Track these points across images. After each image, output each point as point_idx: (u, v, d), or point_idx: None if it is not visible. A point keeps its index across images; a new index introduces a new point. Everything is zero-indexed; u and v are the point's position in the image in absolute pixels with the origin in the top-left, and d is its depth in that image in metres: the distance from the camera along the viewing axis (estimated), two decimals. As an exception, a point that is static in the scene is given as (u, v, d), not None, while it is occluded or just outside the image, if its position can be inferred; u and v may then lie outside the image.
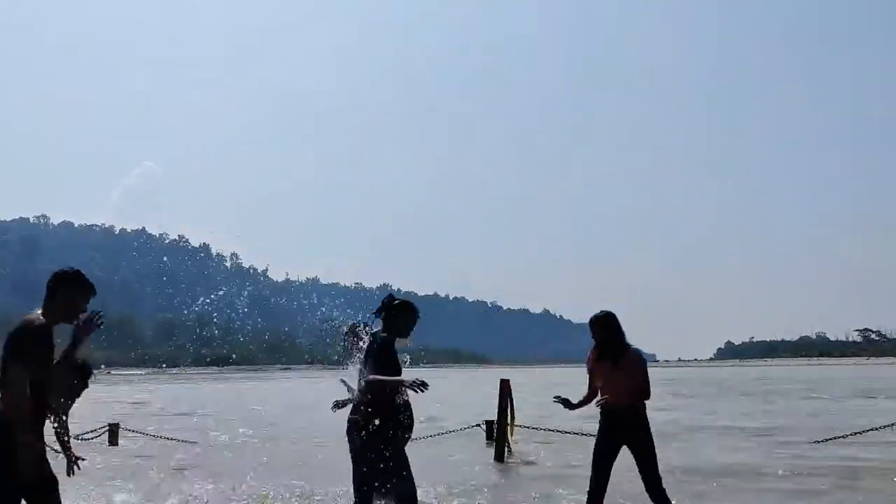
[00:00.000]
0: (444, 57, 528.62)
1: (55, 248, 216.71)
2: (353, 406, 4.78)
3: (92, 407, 18.88)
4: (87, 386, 4.83)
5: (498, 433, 9.60)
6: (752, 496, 6.97)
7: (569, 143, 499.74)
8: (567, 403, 5.35)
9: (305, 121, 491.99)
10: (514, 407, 10.27)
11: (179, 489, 6.93)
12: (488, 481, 7.25)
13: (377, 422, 4.46)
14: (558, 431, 11.14)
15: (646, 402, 5.17)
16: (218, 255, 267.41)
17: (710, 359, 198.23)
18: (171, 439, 11.39)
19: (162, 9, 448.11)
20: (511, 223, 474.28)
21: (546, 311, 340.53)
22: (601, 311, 5.24)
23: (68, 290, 3.82)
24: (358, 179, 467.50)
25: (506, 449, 9.46)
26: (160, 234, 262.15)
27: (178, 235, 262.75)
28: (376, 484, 4.50)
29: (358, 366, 4.97)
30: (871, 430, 10.68)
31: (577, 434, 11.31)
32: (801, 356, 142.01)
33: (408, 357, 4.89)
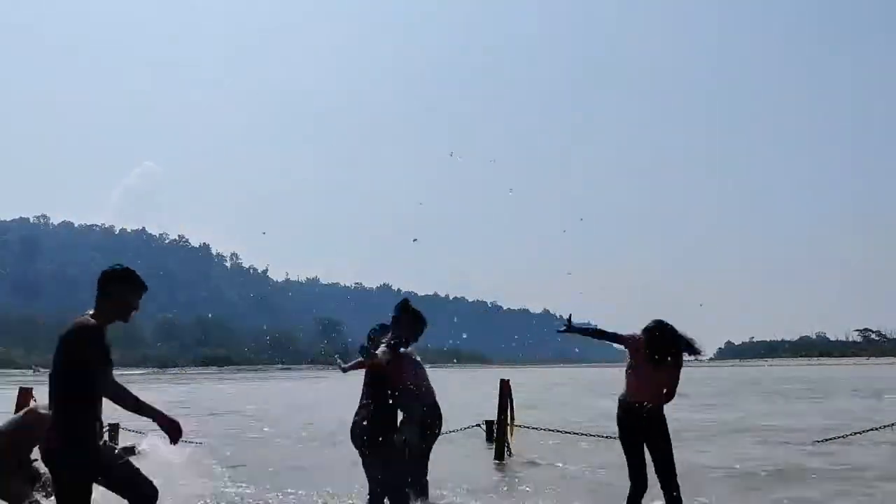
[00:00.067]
0: (444, 57, 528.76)
1: (55, 248, 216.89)
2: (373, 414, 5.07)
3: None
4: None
5: (498, 433, 9.60)
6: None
7: (569, 143, 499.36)
8: (570, 328, 5.35)
9: (305, 121, 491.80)
10: (514, 407, 10.27)
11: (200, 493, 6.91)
12: (488, 482, 7.26)
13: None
14: (558, 431, 11.14)
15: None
16: (218, 255, 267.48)
17: (711, 359, 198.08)
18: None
19: (162, 9, 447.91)
20: (511, 223, 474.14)
21: (546, 311, 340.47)
22: (661, 323, 5.23)
23: (120, 288, 3.80)
24: (358, 179, 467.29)
25: (506, 449, 9.46)
26: (160, 234, 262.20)
27: (178, 235, 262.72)
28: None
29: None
30: (872, 430, 10.69)
31: (577, 434, 11.32)
32: (801, 356, 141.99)
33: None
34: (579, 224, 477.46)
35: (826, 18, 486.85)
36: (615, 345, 5.30)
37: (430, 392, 5.47)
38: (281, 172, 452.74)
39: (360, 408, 5.14)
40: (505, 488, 7.13)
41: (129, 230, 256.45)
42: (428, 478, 5.44)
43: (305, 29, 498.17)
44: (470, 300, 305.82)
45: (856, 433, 10.73)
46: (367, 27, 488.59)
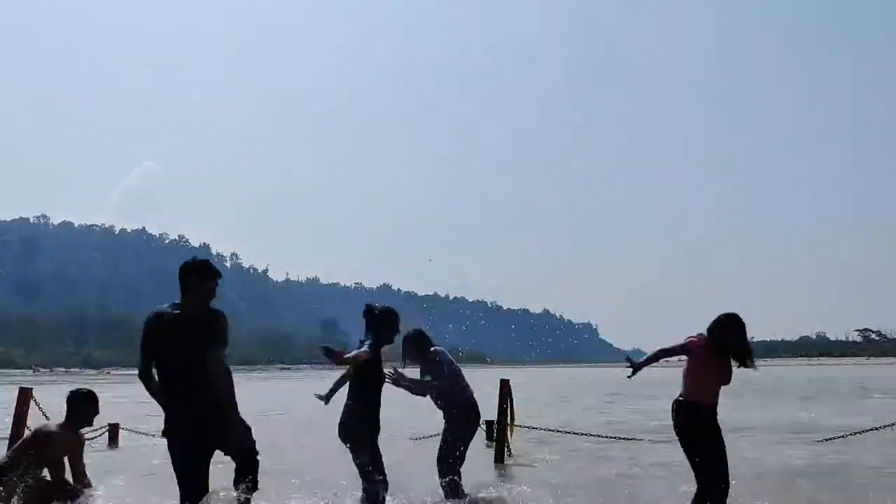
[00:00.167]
0: (444, 57, 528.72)
1: (55, 248, 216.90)
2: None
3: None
4: None
5: (498, 434, 9.59)
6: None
7: (569, 143, 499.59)
8: (634, 367, 5.22)
9: (305, 121, 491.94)
10: (514, 407, 10.27)
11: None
12: (487, 483, 7.25)
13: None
14: (558, 431, 11.14)
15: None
16: (218, 255, 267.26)
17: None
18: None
19: (162, 9, 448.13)
20: (511, 223, 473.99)
21: (546, 311, 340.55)
22: (734, 314, 5.20)
23: (198, 279, 4.10)
24: (358, 179, 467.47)
25: (506, 449, 9.45)
26: (160, 234, 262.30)
27: (178, 235, 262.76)
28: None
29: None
30: (871, 430, 10.69)
31: (577, 434, 11.33)
32: (801, 356, 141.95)
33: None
34: (579, 224, 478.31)
35: (826, 18, 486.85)
36: (673, 358, 5.25)
37: (456, 393, 6.01)
38: (281, 172, 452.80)
39: (345, 406, 5.35)
40: (504, 489, 7.12)
41: (129, 230, 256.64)
42: (453, 477, 5.87)
43: (305, 29, 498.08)
44: (470, 300, 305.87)
45: (856, 433, 10.73)
46: (367, 27, 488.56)
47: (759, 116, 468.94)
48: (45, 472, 5.29)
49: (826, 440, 10.75)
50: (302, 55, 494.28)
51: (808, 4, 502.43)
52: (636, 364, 5.21)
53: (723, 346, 5.07)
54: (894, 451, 9.94)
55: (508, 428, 9.79)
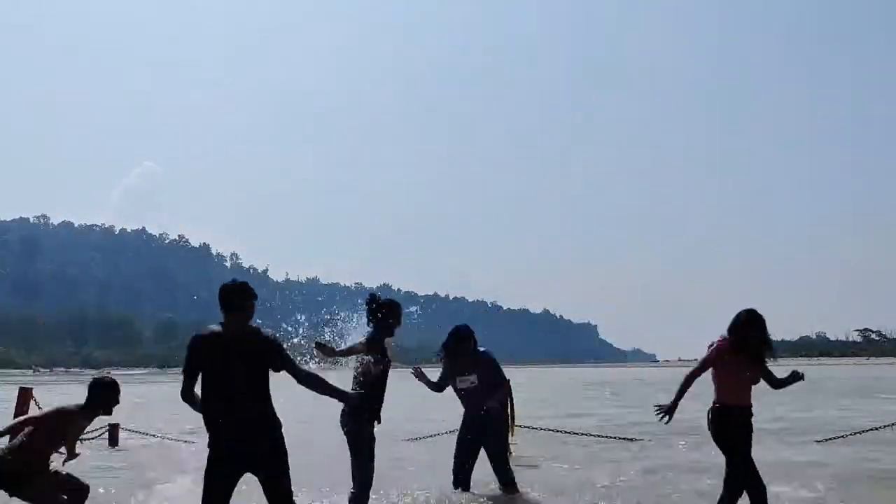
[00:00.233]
0: (444, 57, 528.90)
1: (55, 248, 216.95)
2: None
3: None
4: None
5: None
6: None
7: (569, 143, 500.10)
8: (671, 410, 5.10)
9: (305, 121, 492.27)
10: (515, 407, 10.26)
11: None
12: (486, 483, 7.23)
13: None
14: (559, 431, 11.14)
15: None
16: (218, 255, 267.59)
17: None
18: (173, 439, 11.38)
19: (162, 9, 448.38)
20: (511, 223, 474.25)
21: (546, 311, 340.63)
22: (753, 310, 5.10)
23: (242, 300, 4.27)
24: (358, 179, 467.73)
25: (506, 450, 9.43)
26: (160, 234, 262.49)
27: (178, 235, 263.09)
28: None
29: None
30: (872, 429, 10.69)
31: (577, 434, 11.33)
32: (801, 356, 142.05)
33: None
34: (579, 224, 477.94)
35: (826, 18, 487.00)
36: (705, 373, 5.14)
37: (481, 393, 6.30)
38: (281, 172, 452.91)
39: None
40: (501, 489, 7.11)
41: (129, 230, 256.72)
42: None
43: (305, 29, 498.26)
44: (470, 300, 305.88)
45: (857, 433, 10.73)
46: (367, 27, 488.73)
47: (759, 116, 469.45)
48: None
49: (826, 440, 10.75)
50: (302, 55, 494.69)
51: (808, 4, 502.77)
52: (669, 406, 5.09)
53: (743, 343, 5.01)
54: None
55: (508, 428, 9.77)
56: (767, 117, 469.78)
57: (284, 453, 4.17)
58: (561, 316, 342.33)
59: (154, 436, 11.81)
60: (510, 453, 9.46)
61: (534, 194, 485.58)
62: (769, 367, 5.19)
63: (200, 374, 4.12)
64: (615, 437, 11.25)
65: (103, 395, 5.31)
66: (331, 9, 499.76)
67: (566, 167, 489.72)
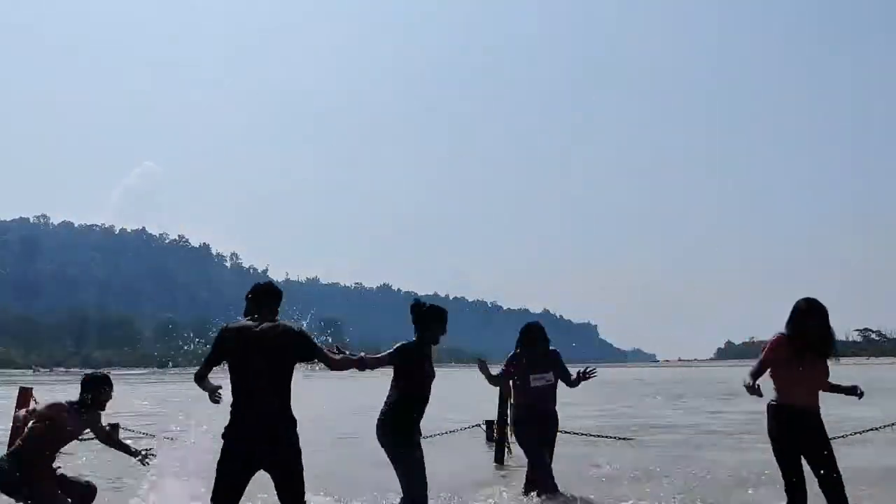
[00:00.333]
0: (444, 57, 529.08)
1: (55, 248, 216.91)
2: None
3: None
4: None
5: (498, 434, 9.58)
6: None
7: (569, 143, 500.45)
8: (756, 390, 4.58)
9: (305, 121, 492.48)
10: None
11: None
12: (486, 483, 7.25)
13: None
14: (559, 432, 11.11)
15: None
16: (218, 255, 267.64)
17: (711, 359, 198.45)
18: (172, 439, 11.37)
19: (162, 9, 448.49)
20: (511, 223, 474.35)
21: (546, 311, 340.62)
22: (813, 298, 4.70)
23: (271, 301, 4.43)
24: (358, 179, 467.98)
25: (506, 450, 9.44)
26: (160, 234, 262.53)
27: (178, 235, 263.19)
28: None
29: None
30: (871, 430, 10.67)
31: (577, 434, 11.32)
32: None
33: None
34: (579, 224, 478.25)
35: (826, 18, 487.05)
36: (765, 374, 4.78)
37: (524, 393, 6.28)
38: (281, 172, 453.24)
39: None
40: (503, 489, 7.11)
41: (129, 230, 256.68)
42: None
43: (305, 29, 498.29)
44: (470, 300, 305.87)
45: (856, 433, 10.72)
46: (367, 27, 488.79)
47: (759, 116, 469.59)
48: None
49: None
50: (302, 55, 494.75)
51: (808, 4, 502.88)
52: (751, 386, 4.60)
53: (803, 336, 4.60)
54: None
55: (508, 428, 9.77)
56: (767, 117, 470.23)
57: (299, 452, 4.16)
58: (561, 316, 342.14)
59: (154, 436, 11.80)
60: (511, 454, 9.49)
61: (534, 194, 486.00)
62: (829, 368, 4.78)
63: (226, 364, 4.21)
64: (615, 437, 11.27)
65: (94, 389, 5.31)
66: (331, 9, 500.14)
67: (566, 167, 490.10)
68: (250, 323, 4.24)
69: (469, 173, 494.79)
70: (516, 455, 9.66)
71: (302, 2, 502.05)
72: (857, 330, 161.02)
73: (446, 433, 11.08)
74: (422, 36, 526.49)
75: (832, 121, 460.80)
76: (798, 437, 4.68)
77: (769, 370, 4.72)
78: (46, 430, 5.14)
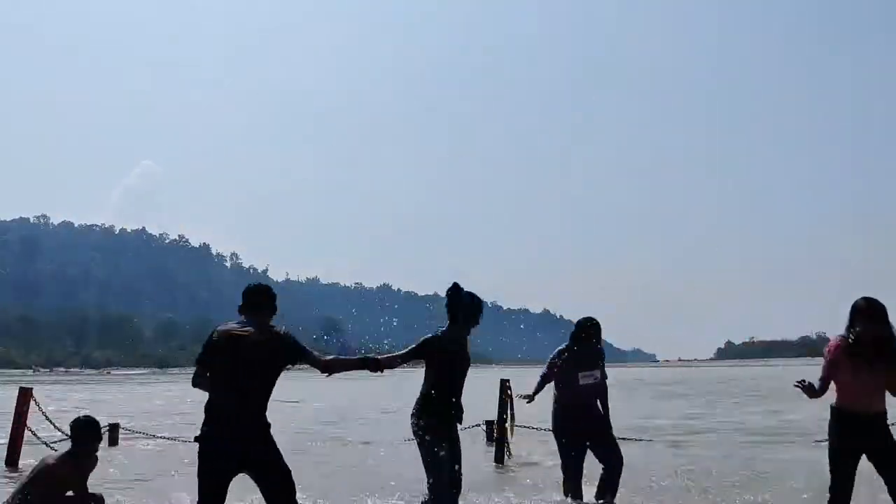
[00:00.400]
0: (444, 57, 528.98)
1: (55, 248, 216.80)
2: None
3: (90, 406, 18.85)
4: None
5: (497, 434, 9.58)
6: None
7: (569, 143, 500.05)
8: (811, 390, 4.53)
9: (305, 121, 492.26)
10: (514, 407, 10.25)
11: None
12: (486, 482, 7.24)
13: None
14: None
15: None
16: (218, 255, 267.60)
17: (711, 359, 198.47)
18: (172, 439, 11.37)
19: (162, 9, 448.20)
20: (511, 223, 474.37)
21: (546, 311, 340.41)
22: (871, 298, 4.45)
23: (269, 302, 4.43)
24: (358, 179, 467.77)
25: (506, 450, 9.44)
26: (160, 234, 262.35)
27: (178, 235, 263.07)
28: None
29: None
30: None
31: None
32: (801, 356, 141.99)
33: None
34: (579, 224, 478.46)
35: (826, 18, 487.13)
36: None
37: (571, 392, 5.83)
38: (281, 172, 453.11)
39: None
40: (503, 489, 7.11)
41: (129, 230, 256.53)
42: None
43: (305, 29, 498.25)
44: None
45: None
46: (367, 27, 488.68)
47: (759, 116, 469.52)
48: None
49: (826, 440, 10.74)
50: (302, 55, 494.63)
51: (808, 4, 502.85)
52: (812, 391, 4.56)
53: (861, 337, 4.39)
54: None
55: (508, 428, 9.77)
56: (767, 117, 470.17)
57: (277, 450, 4.17)
58: (561, 316, 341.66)
59: (154, 436, 11.80)
60: (510, 455, 9.49)
61: (534, 194, 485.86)
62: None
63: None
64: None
65: (81, 437, 5.25)
66: (331, 9, 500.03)
67: (566, 167, 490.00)
68: (236, 325, 4.24)
69: (469, 173, 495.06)
70: (516, 455, 9.67)
71: (302, 2, 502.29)
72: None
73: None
74: (422, 36, 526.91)
75: (832, 121, 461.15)
76: (860, 442, 4.50)
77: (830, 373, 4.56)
78: (48, 492, 5.14)
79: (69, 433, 5.31)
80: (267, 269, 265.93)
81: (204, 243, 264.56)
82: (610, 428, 6.03)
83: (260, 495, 4.21)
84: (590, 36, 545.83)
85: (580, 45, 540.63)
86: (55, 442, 10.09)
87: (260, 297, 4.35)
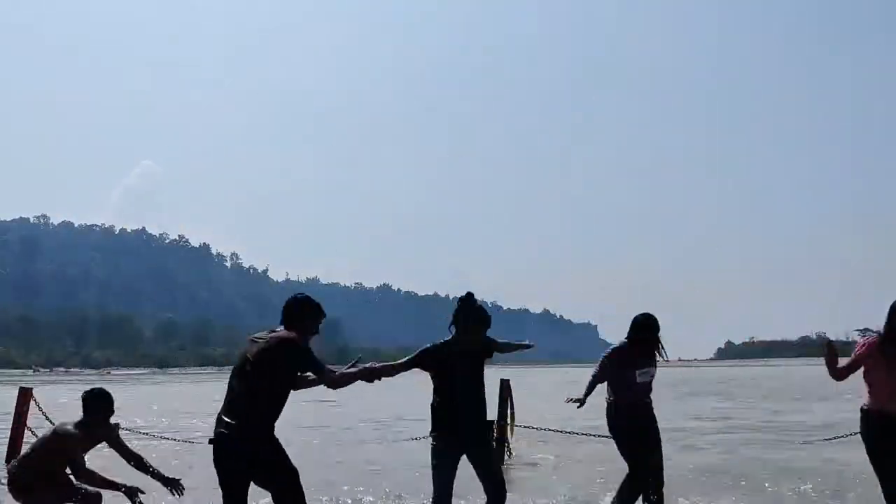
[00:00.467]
0: (444, 57, 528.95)
1: (55, 248, 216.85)
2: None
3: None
4: None
5: (497, 434, 9.59)
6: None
7: (569, 143, 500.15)
8: (833, 355, 4.43)
9: (305, 121, 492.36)
10: (514, 407, 10.26)
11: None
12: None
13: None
14: (558, 432, 11.13)
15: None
16: (218, 255, 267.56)
17: (711, 359, 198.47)
18: (172, 439, 11.38)
19: (162, 9, 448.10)
20: (511, 223, 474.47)
21: (546, 311, 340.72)
22: None
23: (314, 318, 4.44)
24: (358, 179, 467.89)
25: (506, 450, 9.45)
26: (160, 234, 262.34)
27: (178, 235, 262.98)
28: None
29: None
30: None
31: (577, 434, 11.31)
32: (801, 356, 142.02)
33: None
34: (579, 224, 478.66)
35: (826, 18, 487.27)
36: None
37: (629, 390, 5.53)
38: (281, 172, 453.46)
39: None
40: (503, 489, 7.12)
41: (129, 230, 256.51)
42: None
43: (305, 29, 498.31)
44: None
45: (855, 433, 10.72)
46: (367, 27, 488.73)
47: (759, 116, 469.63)
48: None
49: (826, 440, 10.75)
50: (302, 55, 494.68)
51: (808, 4, 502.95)
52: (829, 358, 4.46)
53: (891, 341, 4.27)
54: None
55: (508, 428, 9.78)
56: (767, 117, 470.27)
57: (283, 450, 4.21)
58: (561, 316, 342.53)
59: (154, 436, 11.80)
60: (511, 455, 9.50)
61: (534, 194, 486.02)
62: None
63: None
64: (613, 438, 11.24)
65: (92, 407, 5.31)
66: (331, 9, 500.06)
67: (566, 167, 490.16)
68: (263, 333, 4.36)
69: (469, 173, 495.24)
70: (516, 455, 9.68)
71: (302, 2, 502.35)
72: (857, 330, 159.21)
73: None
74: (422, 36, 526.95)
75: (832, 121, 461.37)
76: (893, 445, 4.37)
77: (862, 372, 4.49)
78: (55, 457, 5.20)
79: (82, 405, 5.33)
80: (267, 269, 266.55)
81: (204, 243, 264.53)
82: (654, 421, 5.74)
83: (267, 498, 4.24)
84: (590, 36, 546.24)
85: (580, 45, 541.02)
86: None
87: (286, 310, 4.40)
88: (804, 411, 18.55)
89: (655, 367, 5.67)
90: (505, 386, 9.76)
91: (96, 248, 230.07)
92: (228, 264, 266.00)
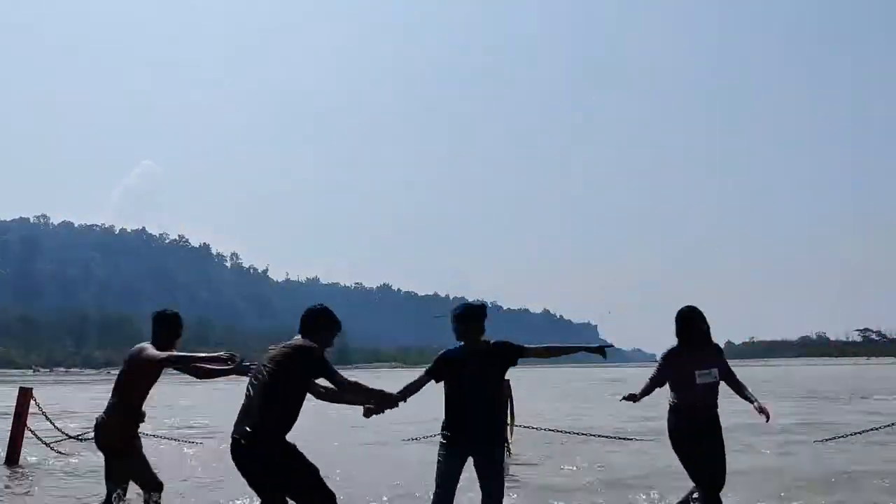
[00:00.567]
0: (444, 57, 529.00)
1: (55, 248, 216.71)
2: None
3: (90, 405, 18.86)
4: None
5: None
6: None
7: (569, 143, 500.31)
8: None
9: (305, 121, 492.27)
10: (514, 407, 10.28)
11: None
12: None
13: None
14: (558, 431, 11.15)
15: None
16: (218, 255, 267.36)
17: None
18: (172, 439, 11.40)
19: (162, 9, 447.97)
20: (511, 223, 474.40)
21: (546, 311, 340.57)
22: None
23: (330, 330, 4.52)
24: (358, 179, 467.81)
25: (506, 450, 9.44)
26: (160, 234, 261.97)
27: (178, 235, 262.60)
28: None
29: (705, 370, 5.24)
30: (872, 429, 10.70)
31: (576, 434, 11.34)
32: (801, 356, 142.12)
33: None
34: (579, 224, 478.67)
35: (826, 18, 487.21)
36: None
37: (688, 392, 5.29)
38: (281, 172, 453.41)
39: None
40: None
41: (129, 230, 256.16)
42: None
43: (305, 29, 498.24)
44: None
45: (856, 433, 10.73)
46: (367, 27, 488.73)
47: (759, 116, 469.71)
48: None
49: (825, 440, 10.75)
50: (302, 55, 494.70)
51: (808, 4, 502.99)
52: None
53: None
54: None
55: (508, 428, 9.79)
56: (767, 117, 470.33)
57: (299, 451, 4.26)
58: (561, 316, 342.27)
59: (155, 436, 11.82)
60: (510, 455, 9.50)
61: (534, 194, 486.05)
62: None
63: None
64: (615, 437, 11.26)
65: (165, 326, 5.39)
66: (331, 9, 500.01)
67: (566, 167, 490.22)
68: (282, 342, 4.44)
69: (469, 173, 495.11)
70: (516, 455, 9.68)
71: (302, 2, 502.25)
72: (858, 330, 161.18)
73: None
74: (422, 36, 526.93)
75: (832, 121, 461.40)
76: None
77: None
78: (145, 382, 5.38)
79: (152, 325, 5.59)
80: (267, 269, 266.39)
81: (204, 243, 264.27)
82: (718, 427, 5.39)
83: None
84: (590, 36, 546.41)
85: (580, 45, 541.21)
86: (56, 441, 10.12)
87: (302, 321, 4.47)
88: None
89: (720, 367, 5.36)
90: (505, 386, 9.76)
91: (96, 248, 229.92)
92: (228, 264, 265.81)
